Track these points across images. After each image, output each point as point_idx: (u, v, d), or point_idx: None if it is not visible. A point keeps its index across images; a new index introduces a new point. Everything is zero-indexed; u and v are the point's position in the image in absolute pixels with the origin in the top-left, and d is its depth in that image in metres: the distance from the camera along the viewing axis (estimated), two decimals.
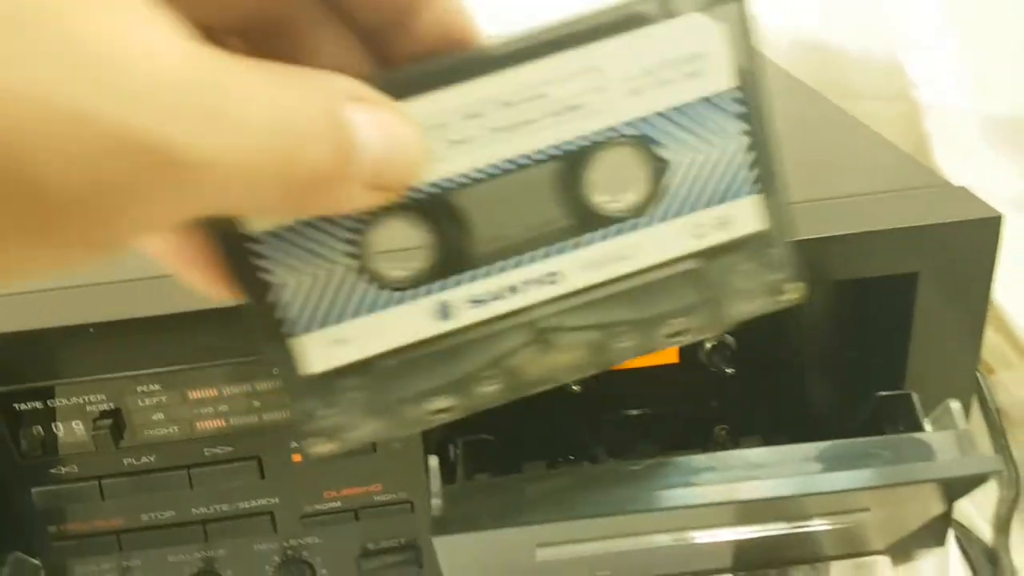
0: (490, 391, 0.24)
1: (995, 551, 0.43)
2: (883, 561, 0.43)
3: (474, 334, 0.23)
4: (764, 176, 0.24)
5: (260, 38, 0.20)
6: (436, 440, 0.37)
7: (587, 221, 0.23)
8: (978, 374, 0.51)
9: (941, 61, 0.58)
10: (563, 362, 0.24)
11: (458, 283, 0.23)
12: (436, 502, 0.32)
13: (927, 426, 0.34)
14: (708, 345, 0.41)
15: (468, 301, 0.23)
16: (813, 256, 0.35)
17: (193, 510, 0.38)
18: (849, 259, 0.36)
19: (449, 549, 0.35)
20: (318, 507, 0.39)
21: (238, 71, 0.16)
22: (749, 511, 0.33)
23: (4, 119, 0.12)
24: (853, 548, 0.42)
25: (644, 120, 0.22)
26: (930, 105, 0.56)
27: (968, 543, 0.44)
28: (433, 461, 0.33)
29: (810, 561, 0.43)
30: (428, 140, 0.20)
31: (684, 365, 0.41)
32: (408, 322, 0.23)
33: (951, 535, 0.43)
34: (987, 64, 0.58)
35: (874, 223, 0.36)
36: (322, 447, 0.24)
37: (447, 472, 0.34)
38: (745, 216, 0.24)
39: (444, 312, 0.23)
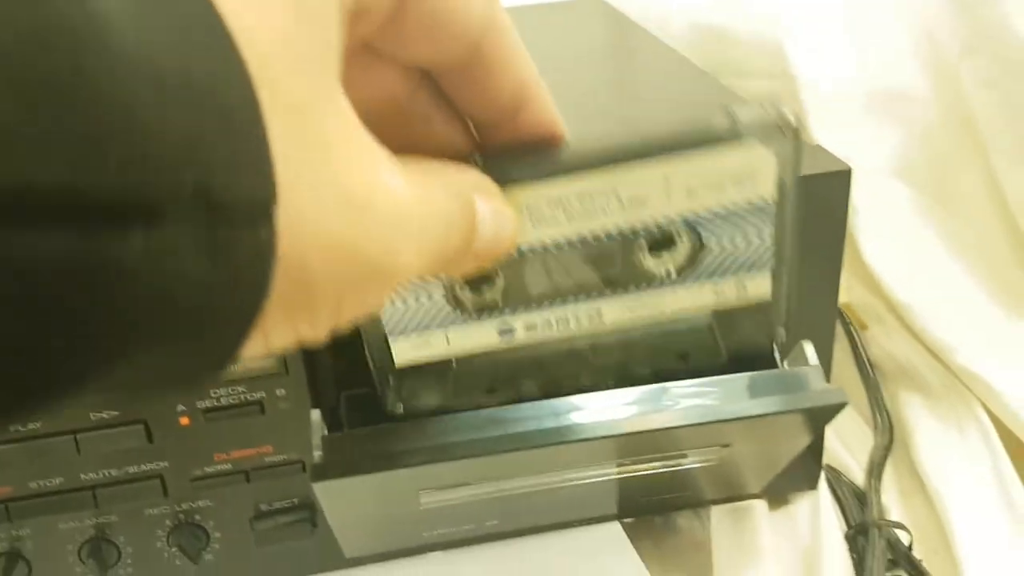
0: (528, 388, 0.31)
1: (865, 493, 0.46)
2: (760, 505, 0.45)
3: (526, 351, 0.30)
4: (777, 261, 0.30)
5: (390, 114, 0.24)
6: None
7: (633, 277, 0.29)
8: (853, 330, 0.54)
9: (814, 36, 0.60)
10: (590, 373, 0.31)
11: (520, 312, 0.29)
12: (316, 453, 0.33)
13: (783, 366, 0.36)
14: None
15: (525, 327, 0.30)
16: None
17: (82, 476, 0.38)
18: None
19: (331, 497, 0.36)
20: (208, 470, 0.39)
21: (414, 184, 0.20)
22: (618, 447, 0.34)
23: (301, 245, 0.17)
24: (730, 491, 0.44)
25: (696, 215, 0.27)
26: (807, 80, 0.59)
27: (839, 485, 0.46)
28: (315, 414, 0.34)
29: (691, 506, 0.45)
30: (520, 221, 0.25)
31: None
32: (477, 337, 0.30)
33: (823, 479, 0.46)
34: (860, 36, 0.61)
35: None
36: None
37: (335, 427, 0.35)
38: (756, 287, 0.30)
39: (506, 332, 0.30)
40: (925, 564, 0.42)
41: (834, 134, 0.57)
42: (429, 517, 0.40)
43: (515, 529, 0.44)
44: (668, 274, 0.29)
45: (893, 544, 0.43)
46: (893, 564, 0.42)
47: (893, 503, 0.47)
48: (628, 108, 0.51)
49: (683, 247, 0.29)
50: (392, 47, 0.22)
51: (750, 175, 0.26)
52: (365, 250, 0.18)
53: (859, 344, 0.53)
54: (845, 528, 0.44)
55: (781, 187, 0.27)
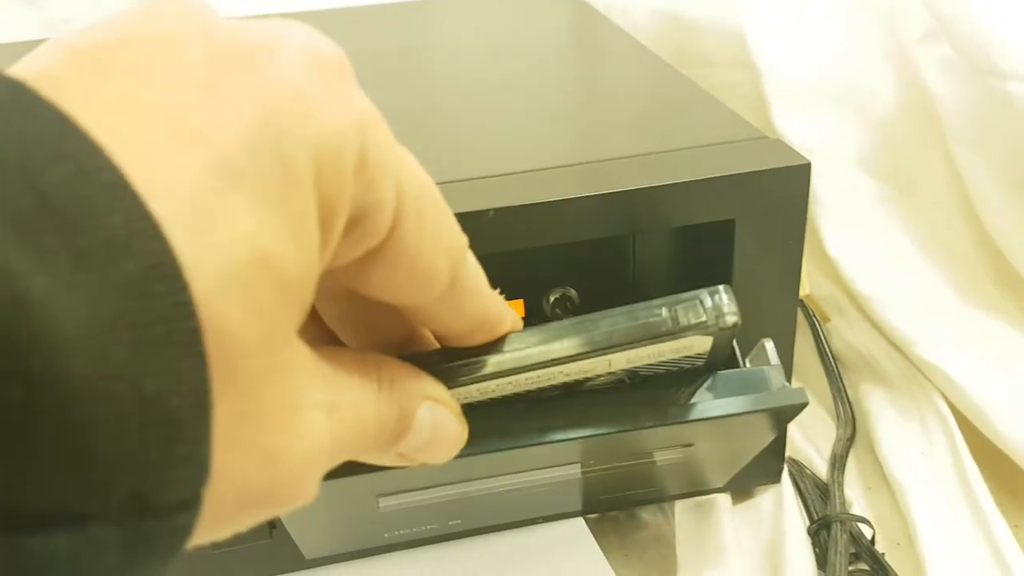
0: None
1: (828, 486, 0.46)
2: (723, 499, 0.45)
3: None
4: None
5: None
6: None
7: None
8: (815, 321, 0.54)
9: (774, 25, 0.60)
10: None
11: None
12: None
13: (745, 364, 0.36)
14: (552, 297, 0.43)
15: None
16: (641, 206, 0.37)
17: None
18: (675, 208, 0.38)
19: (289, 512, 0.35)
20: None
21: (339, 388, 0.21)
22: (580, 449, 0.34)
23: (217, 494, 0.17)
24: (693, 486, 0.44)
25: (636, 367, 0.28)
26: (767, 69, 0.58)
27: (802, 479, 0.46)
28: None
29: (654, 501, 0.45)
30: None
31: (529, 318, 0.43)
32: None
33: (786, 472, 0.46)
34: (819, 24, 0.61)
35: (694, 173, 0.37)
36: None
37: None
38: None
39: None
40: (887, 557, 0.42)
41: (796, 124, 0.57)
42: (389, 519, 0.39)
43: (478, 527, 0.43)
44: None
45: (856, 538, 0.43)
46: (855, 558, 0.43)
47: (856, 495, 0.47)
48: (590, 102, 0.50)
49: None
50: (356, 286, 0.22)
51: (687, 347, 0.28)
52: (274, 493, 0.19)
53: (821, 336, 0.53)
54: (808, 522, 0.44)
55: (715, 351, 0.28)
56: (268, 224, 0.17)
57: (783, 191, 0.38)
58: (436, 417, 0.24)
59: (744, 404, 0.32)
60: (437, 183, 0.38)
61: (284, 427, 0.18)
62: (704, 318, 0.26)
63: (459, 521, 0.42)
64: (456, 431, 0.25)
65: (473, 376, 0.26)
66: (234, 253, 0.16)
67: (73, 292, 0.14)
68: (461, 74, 0.56)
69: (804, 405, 0.32)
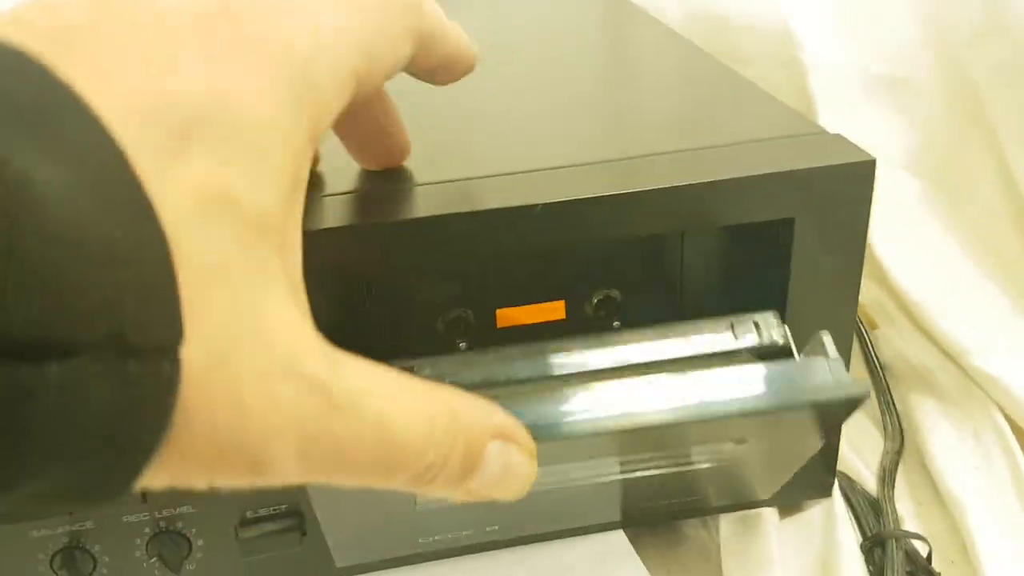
0: None
1: (879, 501, 0.44)
2: (770, 512, 0.43)
3: None
4: None
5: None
6: None
7: None
8: (862, 329, 0.52)
9: (823, 22, 0.58)
10: None
11: None
12: None
13: (799, 357, 0.34)
14: (594, 300, 0.41)
15: None
16: (694, 203, 0.35)
17: None
18: (728, 205, 0.36)
19: (326, 505, 0.34)
20: None
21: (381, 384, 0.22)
22: (628, 440, 0.32)
23: (211, 401, 0.19)
24: (739, 497, 0.42)
25: None
26: (815, 66, 0.57)
27: (853, 494, 0.44)
28: None
29: (699, 514, 0.43)
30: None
31: (570, 320, 0.41)
32: None
33: (836, 486, 0.44)
34: (869, 23, 0.59)
35: (750, 169, 0.35)
36: None
37: None
38: None
39: None
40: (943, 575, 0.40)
41: (842, 122, 0.55)
42: (426, 521, 0.37)
43: (516, 537, 0.41)
44: None
45: (911, 555, 0.41)
46: None
47: (906, 510, 0.45)
48: (634, 95, 0.49)
49: None
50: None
51: None
52: (242, 448, 0.19)
53: (869, 344, 0.51)
54: (860, 538, 0.42)
55: None
56: (229, 165, 0.19)
57: (847, 188, 0.36)
58: (507, 454, 0.24)
59: (803, 395, 0.30)
60: (479, 177, 0.36)
61: (253, 383, 0.19)
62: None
63: (496, 527, 0.40)
64: (527, 468, 0.25)
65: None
66: (195, 187, 0.19)
67: (46, 165, 0.16)
68: (497, 66, 0.54)
69: (865, 397, 0.30)
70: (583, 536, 0.42)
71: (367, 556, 0.40)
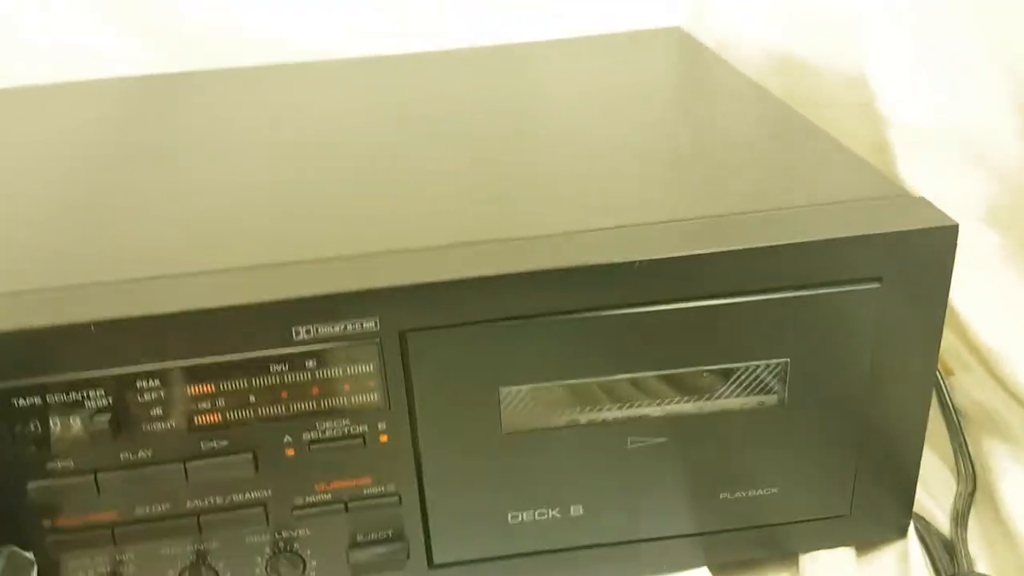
0: None
1: (953, 543, 0.45)
2: (848, 553, 0.45)
3: None
4: None
5: None
6: None
7: None
8: (938, 375, 0.54)
9: (904, 74, 0.60)
10: None
11: None
12: None
13: None
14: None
15: None
16: (778, 264, 0.38)
17: (188, 503, 0.39)
18: (815, 266, 0.38)
19: (438, 487, 0.37)
20: (309, 499, 0.40)
21: None
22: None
23: None
24: (814, 501, 0.43)
25: None
26: (893, 117, 0.58)
27: (928, 535, 0.46)
28: None
29: (780, 549, 0.45)
30: None
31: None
32: None
33: (912, 527, 0.46)
34: (947, 73, 0.60)
35: (838, 231, 0.38)
36: None
37: None
38: None
39: None
40: None
41: (921, 172, 0.57)
42: (513, 475, 0.40)
43: (599, 538, 0.43)
44: None
45: None
46: None
47: (979, 551, 0.46)
48: (716, 149, 0.51)
49: None
50: None
51: None
52: None
53: (944, 389, 0.53)
54: None
55: None
56: None
57: (931, 251, 0.38)
58: None
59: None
60: (565, 233, 0.39)
61: None
62: None
63: (580, 509, 0.42)
64: None
65: None
66: None
67: None
68: (575, 119, 0.57)
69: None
70: (667, 574, 0.44)
71: (462, 549, 0.42)
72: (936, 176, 0.57)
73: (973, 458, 0.51)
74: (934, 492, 0.50)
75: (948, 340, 0.55)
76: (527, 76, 0.66)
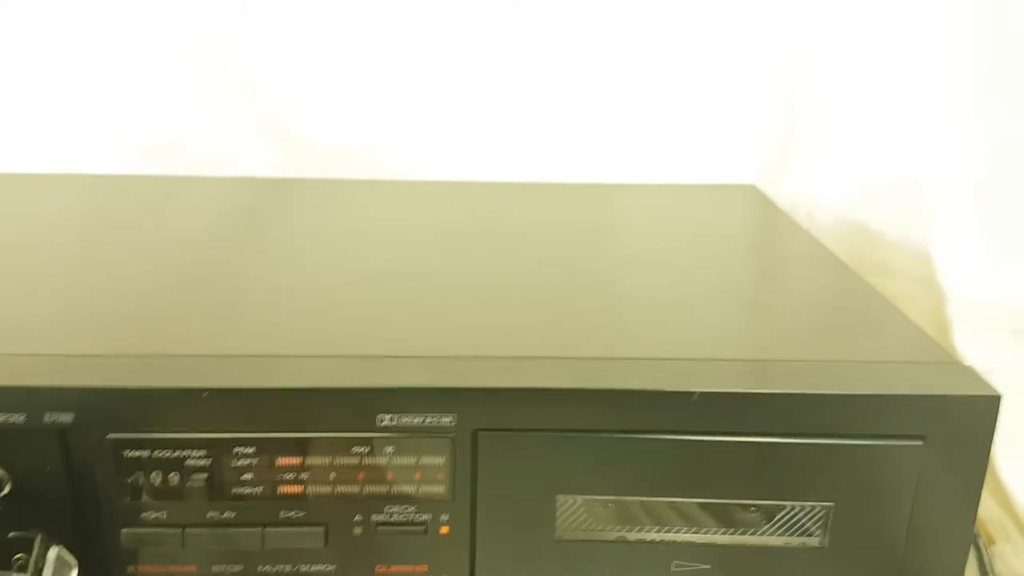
0: None
1: None
2: None
3: None
4: None
5: None
6: None
7: None
8: (980, 544, 0.55)
9: (967, 248, 0.63)
10: None
11: None
12: None
13: None
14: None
15: None
16: (826, 411, 0.41)
17: (259, 567, 0.42)
18: (861, 418, 0.41)
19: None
20: None
21: None
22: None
23: None
24: None
25: None
26: (952, 291, 0.61)
27: None
28: None
29: None
30: None
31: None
32: None
33: None
34: (1011, 255, 0.63)
35: (886, 388, 0.41)
36: None
37: None
38: None
39: None
40: None
41: (977, 349, 0.59)
42: (560, 573, 0.42)
43: None
44: None
45: None
46: None
47: None
48: (769, 298, 0.54)
49: None
50: None
51: None
52: None
53: (985, 558, 0.54)
54: None
55: None
56: None
57: (973, 418, 0.40)
58: None
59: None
60: (631, 358, 0.42)
61: None
62: None
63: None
64: None
65: None
66: None
67: None
68: (649, 257, 0.61)
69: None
70: None
71: None
72: (993, 354, 0.60)
73: None
74: None
75: (993, 510, 0.57)
76: (609, 214, 0.71)
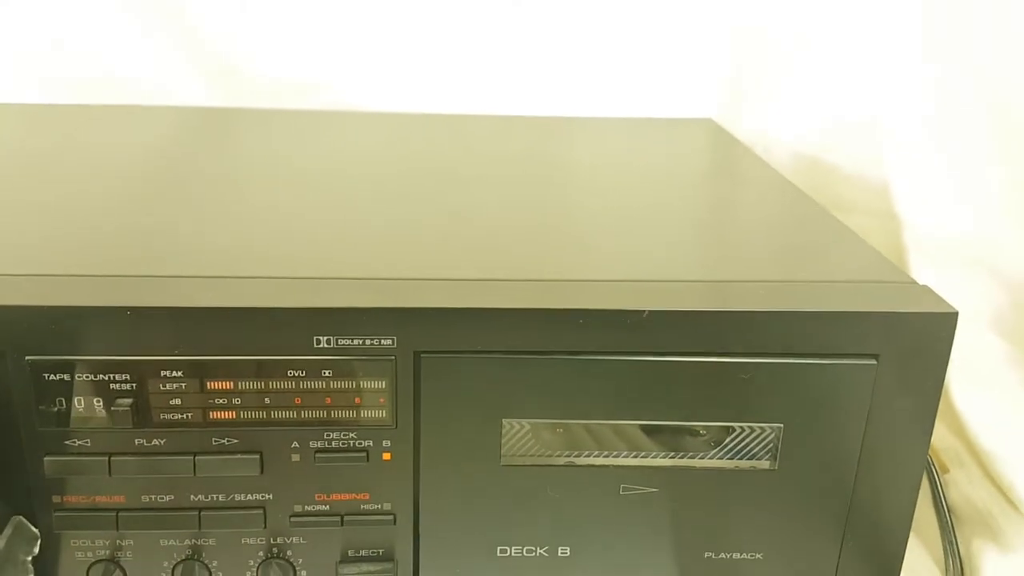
0: None
1: None
2: None
3: None
4: None
5: None
6: None
7: None
8: (934, 472, 0.54)
9: (921, 182, 0.63)
10: None
11: None
12: None
13: None
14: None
15: None
16: (779, 330, 0.39)
17: (191, 497, 0.41)
18: (814, 337, 0.40)
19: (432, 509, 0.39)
20: (307, 508, 0.41)
21: None
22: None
23: None
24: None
25: None
26: (909, 220, 0.61)
27: None
28: None
29: None
30: None
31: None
32: None
33: None
34: (965, 189, 0.63)
35: (841, 305, 0.40)
36: None
37: None
38: None
39: None
40: None
41: (932, 277, 0.58)
42: (507, 508, 0.41)
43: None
44: None
45: None
46: None
47: None
48: (725, 223, 0.53)
49: None
50: None
51: None
52: None
53: (939, 486, 0.54)
54: None
55: None
56: None
57: (929, 336, 0.39)
58: None
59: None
60: (582, 280, 0.41)
61: None
62: None
63: (568, 551, 0.43)
64: None
65: None
66: None
67: None
68: (606, 185, 0.60)
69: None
70: None
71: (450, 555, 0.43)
72: (948, 282, 0.59)
73: (962, 556, 0.51)
74: None
75: (947, 440, 0.56)
76: (568, 146, 0.69)
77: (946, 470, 0.55)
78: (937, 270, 0.59)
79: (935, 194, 0.64)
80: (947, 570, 0.51)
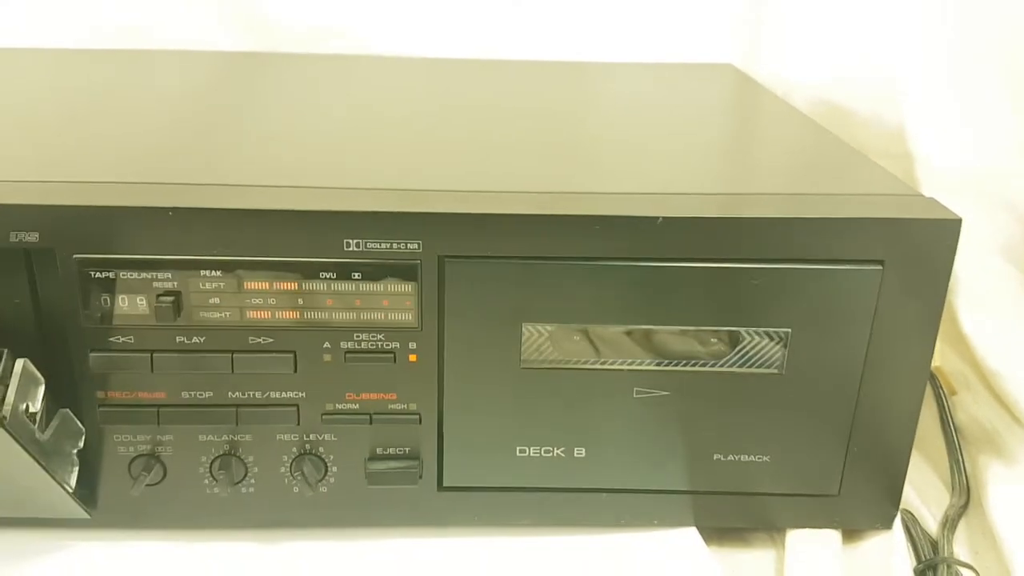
0: None
1: (937, 540, 0.47)
2: (834, 535, 0.47)
3: None
4: None
5: None
6: None
7: None
8: (941, 393, 0.56)
9: (936, 119, 0.64)
10: None
11: None
12: None
13: None
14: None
15: None
16: (787, 236, 0.41)
17: (229, 394, 0.43)
18: (823, 243, 0.41)
19: (456, 414, 0.39)
20: (338, 406, 0.43)
21: None
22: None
23: None
24: (804, 477, 0.46)
25: None
26: (925, 157, 0.62)
27: (913, 527, 0.48)
28: None
29: (769, 526, 0.47)
30: None
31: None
32: None
33: (898, 519, 0.48)
34: (977, 124, 0.64)
35: (847, 212, 0.41)
36: None
37: None
38: None
39: None
40: None
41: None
42: (526, 409, 0.44)
43: (598, 483, 0.46)
44: None
45: None
46: None
47: (963, 556, 0.48)
48: (742, 148, 0.55)
49: None
50: None
51: None
52: None
53: (946, 407, 0.55)
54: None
55: None
56: None
57: (932, 243, 0.41)
58: None
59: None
60: (601, 192, 0.43)
61: None
62: None
63: (583, 452, 0.45)
64: None
65: None
66: None
67: None
68: (627, 117, 0.61)
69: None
70: (657, 529, 0.47)
71: (471, 475, 0.46)
72: (959, 209, 0.60)
73: (969, 473, 0.53)
74: (929, 503, 0.52)
75: (954, 363, 0.58)
76: (587, 86, 0.71)
77: (954, 392, 0.57)
78: (950, 200, 0.60)
79: (951, 135, 0.65)
80: (953, 486, 0.52)
